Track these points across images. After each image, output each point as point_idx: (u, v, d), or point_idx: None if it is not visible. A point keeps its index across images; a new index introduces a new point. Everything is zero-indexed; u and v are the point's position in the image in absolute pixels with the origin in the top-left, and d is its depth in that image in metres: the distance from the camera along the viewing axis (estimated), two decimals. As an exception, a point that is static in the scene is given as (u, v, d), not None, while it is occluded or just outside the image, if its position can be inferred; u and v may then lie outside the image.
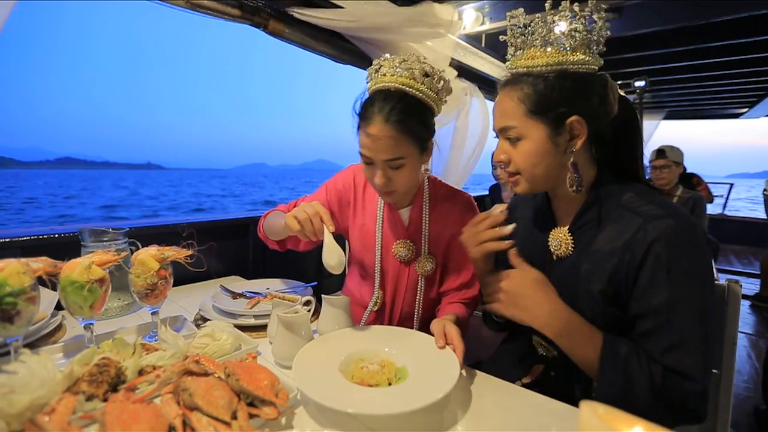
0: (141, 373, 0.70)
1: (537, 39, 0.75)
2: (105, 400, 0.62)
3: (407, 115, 0.89)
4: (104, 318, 1.03)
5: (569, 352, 0.74)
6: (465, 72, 2.52)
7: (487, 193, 3.43)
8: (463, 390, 0.76)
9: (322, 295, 0.93)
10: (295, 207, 1.00)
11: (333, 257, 0.89)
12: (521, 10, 0.76)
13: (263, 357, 0.85)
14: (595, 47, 0.74)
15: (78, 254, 0.92)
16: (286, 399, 0.63)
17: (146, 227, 1.33)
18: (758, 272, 3.77)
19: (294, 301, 0.97)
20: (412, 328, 1.10)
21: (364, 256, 1.12)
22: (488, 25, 2.16)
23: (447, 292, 1.11)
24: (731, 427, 1.03)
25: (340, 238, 1.03)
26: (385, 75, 0.92)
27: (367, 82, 0.98)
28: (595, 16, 0.73)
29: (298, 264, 1.78)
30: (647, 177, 0.83)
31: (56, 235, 1.14)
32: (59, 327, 0.94)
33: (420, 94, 0.92)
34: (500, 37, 0.82)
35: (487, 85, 2.81)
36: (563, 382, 0.83)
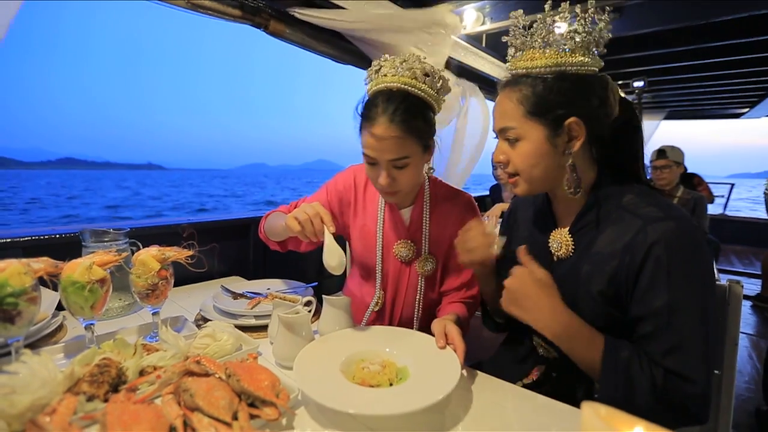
0: (142, 373, 0.70)
1: (537, 40, 0.75)
2: (106, 400, 0.62)
3: (411, 115, 0.90)
4: (105, 318, 1.04)
5: (569, 353, 0.74)
6: (465, 72, 2.53)
7: (487, 193, 3.43)
8: (464, 390, 0.76)
9: (323, 296, 0.93)
10: (295, 208, 1.00)
11: (334, 258, 0.89)
12: (521, 11, 0.77)
13: (264, 357, 0.85)
14: (594, 49, 0.74)
15: (79, 255, 0.92)
16: (287, 399, 0.63)
17: (147, 227, 1.33)
18: (759, 272, 3.77)
19: (295, 302, 0.97)
20: (412, 328, 1.10)
21: (365, 257, 1.12)
22: (489, 25, 2.16)
23: (448, 292, 1.11)
24: (732, 428, 1.03)
25: (341, 239, 1.03)
26: (386, 75, 0.92)
27: (366, 84, 0.99)
28: (597, 17, 0.73)
29: (299, 264, 1.78)
30: (648, 177, 0.83)
31: (57, 236, 1.14)
32: (60, 327, 0.94)
33: (422, 94, 0.93)
34: (503, 37, 0.82)
35: (487, 85, 2.81)
36: (564, 382, 0.83)
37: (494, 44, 2.60)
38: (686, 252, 0.68)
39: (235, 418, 0.58)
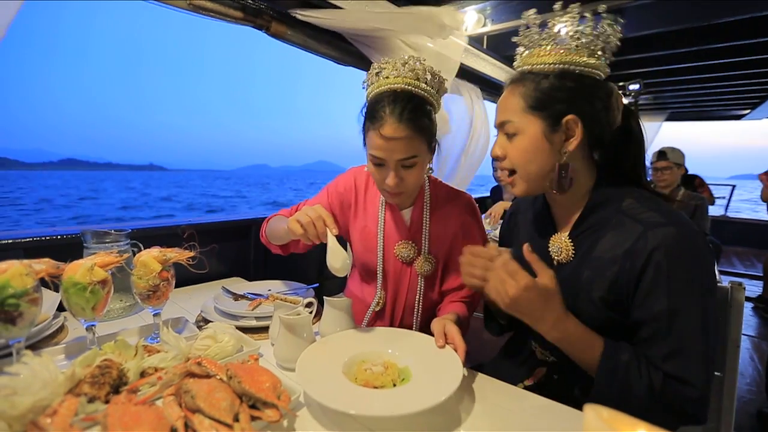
0: (143, 374, 0.70)
1: (544, 38, 0.76)
2: (107, 401, 0.62)
3: (418, 114, 0.91)
4: (106, 319, 1.04)
5: (569, 356, 0.75)
6: (467, 74, 2.53)
7: (488, 194, 3.43)
8: (466, 392, 0.76)
9: (324, 297, 0.93)
10: (297, 211, 1.00)
11: (337, 260, 0.89)
12: (533, 11, 0.77)
13: (265, 359, 0.86)
14: (601, 53, 0.74)
15: (80, 256, 0.92)
16: (288, 401, 0.63)
17: (148, 229, 1.33)
18: (761, 274, 3.76)
19: (296, 303, 0.97)
20: (412, 328, 1.10)
21: (365, 258, 1.12)
22: (490, 27, 2.16)
23: (448, 292, 1.12)
24: (734, 430, 1.02)
25: (341, 241, 1.03)
26: (388, 77, 0.93)
27: (366, 87, 0.99)
28: (605, 24, 0.73)
29: (300, 265, 1.78)
30: (648, 179, 0.83)
31: (59, 237, 1.14)
32: (61, 328, 0.94)
33: (425, 94, 0.94)
34: (512, 38, 0.83)
35: (488, 87, 2.82)
36: (566, 385, 0.83)
37: (495, 46, 2.60)
38: (687, 258, 0.68)
39: (236, 419, 0.58)
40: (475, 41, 2.38)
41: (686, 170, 2.82)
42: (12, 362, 0.67)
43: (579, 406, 0.70)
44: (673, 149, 2.66)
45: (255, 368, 0.67)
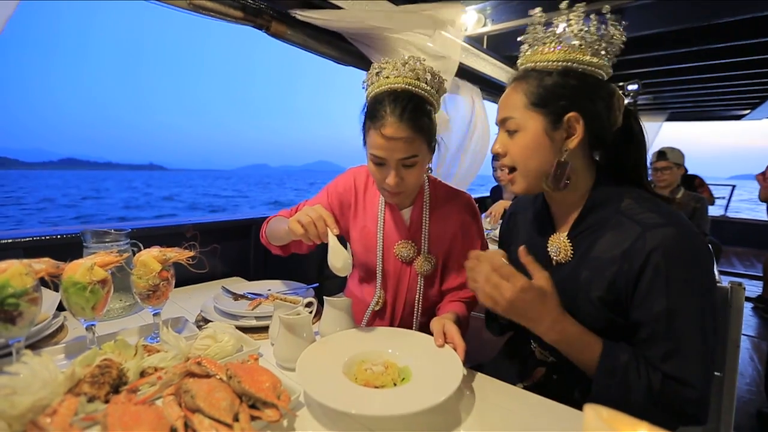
0: (143, 374, 0.70)
1: (549, 36, 0.76)
2: (107, 401, 0.62)
3: (418, 114, 0.91)
4: (106, 319, 1.04)
5: (568, 357, 0.75)
6: (467, 74, 2.53)
7: (488, 194, 3.43)
8: (466, 392, 0.76)
9: (324, 297, 0.93)
10: (297, 212, 1.00)
11: (339, 260, 0.89)
12: (539, 9, 0.78)
13: (265, 359, 0.86)
14: (604, 53, 0.75)
15: (80, 255, 0.92)
16: (288, 401, 0.63)
17: (148, 228, 1.33)
18: (760, 274, 3.76)
19: (296, 303, 0.97)
20: (412, 327, 1.10)
21: (365, 258, 1.13)
22: (490, 27, 2.16)
23: (448, 291, 1.12)
24: (734, 430, 1.03)
25: (342, 240, 1.03)
26: (388, 77, 0.93)
27: (365, 87, 1.00)
28: (610, 24, 0.74)
29: (300, 265, 1.78)
30: (648, 179, 0.83)
31: (58, 236, 1.14)
32: (61, 328, 0.94)
33: (425, 94, 0.94)
34: (517, 38, 0.83)
35: (488, 87, 2.81)
36: (565, 385, 0.83)
37: (495, 46, 2.60)
38: (685, 259, 0.68)
39: (236, 419, 0.58)
40: (475, 41, 2.38)
41: (686, 170, 2.82)
42: (12, 362, 0.67)
43: (579, 406, 0.70)
44: (673, 149, 2.66)
45: (255, 368, 0.67)
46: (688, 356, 0.66)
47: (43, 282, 0.72)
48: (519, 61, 0.82)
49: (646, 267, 0.68)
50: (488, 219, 2.50)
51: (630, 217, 0.73)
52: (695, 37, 2.54)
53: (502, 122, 0.81)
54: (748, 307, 3.51)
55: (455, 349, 0.81)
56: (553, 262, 0.83)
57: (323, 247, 0.92)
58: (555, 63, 0.75)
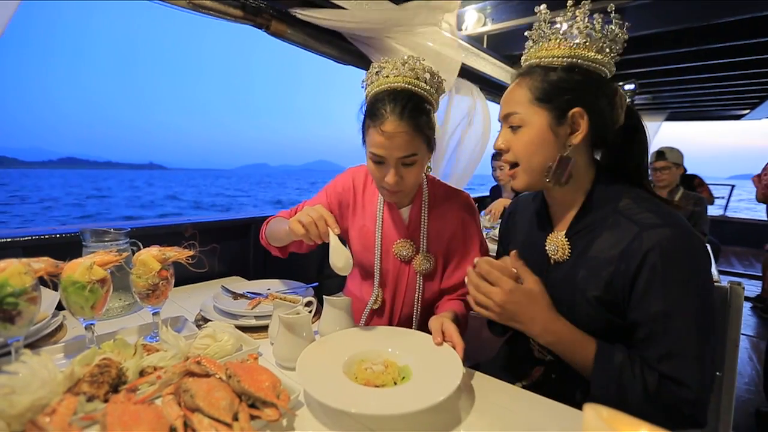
0: (142, 373, 0.70)
1: (554, 33, 0.76)
2: (106, 401, 0.62)
3: (418, 112, 0.91)
4: (105, 318, 1.03)
5: (563, 358, 0.75)
6: (467, 73, 2.53)
7: (488, 194, 3.43)
8: (465, 391, 0.76)
9: (324, 296, 0.93)
10: (296, 212, 1.00)
11: (340, 259, 0.89)
12: (544, 6, 0.78)
13: (264, 358, 0.85)
14: (608, 51, 0.75)
15: (79, 254, 0.92)
16: (288, 400, 0.63)
17: (148, 227, 1.33)
18: (759, 274, 3.77)
19: (295, 302, 0.97)
20: (411, 326, 1.10)
21: (364, 257, 1.13)
22: (490, 27, 2.16)
23: (447, 290, 1.12)
24: (732, 429, 1.03)
25: (342, 240, 1.03)
26: (388, 77, 0.94)
27: (365, 86, 1.00)
28: (614, 23, 0.75)
29: (300, 265, 1.78)
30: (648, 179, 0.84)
31: (57, 235, 1.14)
32: (60, 327, 0.94)
33: (425, 93, 0.94)
34: (525, 32, 0.83)
35: (488, 86, 2.81)
36: (564, 384, 0.83)
37: (495, 45, 2.60)
38: (682, 259, 0.68)
39: (235, 418, 0.58)
40: (475, 40, 2.38)
41: (685, 170, 2.82)
42: (11, 361, 0.67)
43: (578, 406, 0.70)
44: (672, 149, 2.66)
45: (254, 367, 0.66)
46: (685, 357, 0.66)
47: (42, 281, 0.72)
48: (523, 57, 0.82)
49: (642, 267, 0.68)
50: (488, 217, 2.50)
51: (628, 217, 0.73)
52: (694, 37, 2.55)
53: (505, 118, 0.81)
54: (746, 306, 3.52)
55: (454, 348, 0.81)
56: (551, 261, 0.84)
57: (323, 247, 0.92)
58: (560, 59, 0.75)
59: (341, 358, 0.78)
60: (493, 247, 1.20)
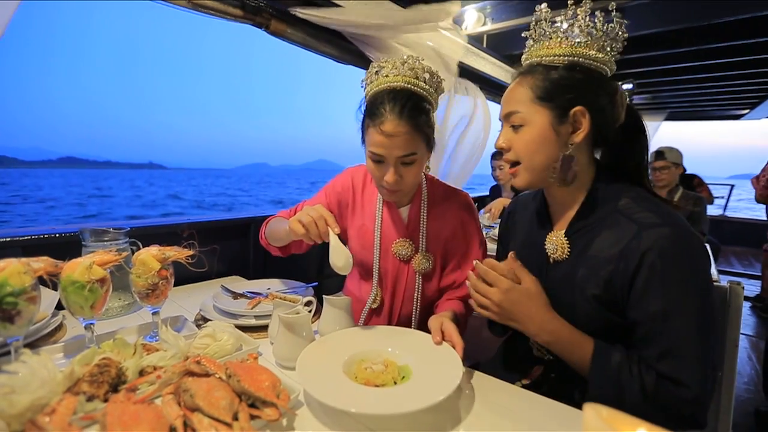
0: (142, 373, 0.70)
1: (554, 32, 0.76)
2: (106, 400, 0.62)
3: (417, 112, 0.92)
4: (105, 318, 1.03)
5: (562, 357, 0.76)
6: (467, 73, 2.53)
7: (487, 193, 3.43)
8: (465, 390, 0.76)
9: (323, 296, 0.93)
10: (296, 213, 1.00)
11: (340, 258, 0.89)
12: (545, 5, 0.78)
13: (264, 357, 0.85)
14: (609, 49, 0.75)
15: (79, 254, 0.92)
16: (288, 400, 0.63)
17: (147, 227, 1.33)
18: (759, 274, 3.77)
19: (295, 302, 0.97)
20: (410, 325, 1.10)
21: (362, 256, 1.13)
22: (490, 26, 2.16)
23: (446, 289, 1.12)
24: (731, 429, 1.03)
25: (342, 240, 1.03)
26: (387, 76, 0.94)
27: (365, 86, 1.00)
28: (615, 21, 0.75)
29: (299, 264, 1.78)
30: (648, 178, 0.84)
31: (57, 235, 1.14)
32: (60, 327, 0.94)
33: (424, 92, 0.95)
34: (522, 33, 0.84)
35: (488, 86, 2.81)
36: (563, 383, 0.83)
37: (495, 45, 2.60)
38: (681, 258, 0.68)
39: (235, 418, 0.57)
40: (475, 40, 2.38)
41: (684, 170, 2.82)
42: (10, 361, 0.67)
43: (577, 405, 0.70)
44: (671, 149, 2.66)
45: (254, 367, 0.66)
46: (683, 356, 0.66)
47: (41, 281, 0.72)
48: (524, 56, 0.82)
49: (641, 266, 0.69)
50: (486, 215, 2.50)
51: (627, 216, 0.73)
52: (694, 37, 2.55)
53: (506, 117, 0.81)
54: (746, 306, 3.52)
55: (454, 347, 0.81)
56: (551, 260, 0.84)
57: (323, 246, 0.92)
58: (561, 57, 0.75)
59: (341, 358, 0.78)
60: (492, 246, 1.20)
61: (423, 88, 0.94)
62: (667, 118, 6.40)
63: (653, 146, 2.82)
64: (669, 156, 2.63)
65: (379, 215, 1.10)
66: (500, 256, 1.05)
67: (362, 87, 1.01)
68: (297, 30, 1.65)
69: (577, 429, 0.64)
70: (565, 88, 0.74)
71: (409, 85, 0.93)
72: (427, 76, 0.95)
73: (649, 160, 0.85)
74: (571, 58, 0.75)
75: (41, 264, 0.73)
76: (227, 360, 0.74)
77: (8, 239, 1.07)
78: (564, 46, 0.75)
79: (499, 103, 0.86)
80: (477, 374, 0.82)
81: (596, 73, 0.76)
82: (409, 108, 0.90)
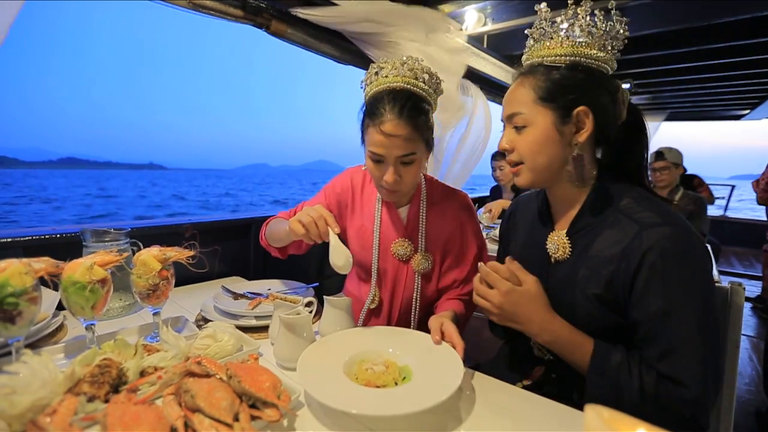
0: (143, 374, 0.70)
1: (554, 31, 0.76)
2: (106, 401, 0.62)
3: (417, 112, 0.92)
4: (106, 318, 1.03)
5: (562, 357, 0.76)
6: (467, 73, 2.53)
7: (488, 194, 3.43)
8: (466, 391, 0.76)
9: (324, 297, 0.93)
10: (295, 213, 1.01)
11: (340, 258, 0.90)
12: (544, 4, 0.78)
13: (265, 358, 0.85)
14: (610, 48, 0.76)
15: (80, 254, 0.92)
16: (288, 401, 0.63)
17: (148, 227, 1.33)
18: (759, 274, 3.77)
19: (295, 302, 0.97)
20: (410, 325, 1.11)
21: (362, 256, 1.13)
22: (490, 26, 2.16)
23: (445, 289, 1.12)
24: (733, 430, 1.02)
25: (341, 240, 1.03)
26: (387, 76, 0.94)
27: (364, 86, 1.01)
28: (615, 19, 0.75)
29: (300, 265, 1.78)
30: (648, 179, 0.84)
31: (58, 236, 1.14)
32: (60, 327, 0.94)
33: (423, 93, 0.95)
34: (525, 30, 0.83)
35: (488, 86, 2.81)
36: (564, 384, 0.83)
37: (495, 45, 2.60)
38: (681, 258, 0.68)
39: (236, 419, 0.58)
40: (476, 40, 2.38)
41: (684, 170, 2.81)
42: (11, 361, 0.67)
43: (578, 406, 0.70)
44: (671, 149, 2.66)
45: (255, 368, 0.67)
46: (684, 356, 0.66)
47: (42, 281, 0.72)
48: (524, 57, 0.82)
49: (642, 266, 0.68)
50: (486, 216, 2.49)
51: (628, 216, 0.73)
52: (694, 37, 2.54)
53: (509, 118, 0.81)
54: (746, 307, 3.51)
55: (454, 348, 0.81)
56: (552, 260, 0.84)
57: (322, 247, 0.92)
58: (562, 57, 0.75)
59: (342, 359, 0.78)
60: (493, 247, 1.20)
61: (422, 88, 0.95)
62: (668, 119, 6.39)
63: (653, 146, 2.81)
64: (669, 156, 2.63)
65: (378, 215, 1.10)
66: (501, 256, 1.05)
67: (362, 88, 1.02)
68: (297, 30, 1.65)
69: (578, 430, 0.64)
70: (567, 88, 0.74)
71: (408, 86, 0.93)
72: (426, 76, 0.96)
73: (648, 160, 0.85)
74: (572, 58, 0.75)
75: (42, 264, 0.73)
76: (228, 361, 0.74)
77: (9, 240, 1.07)
78: (565, 45, 0.75)
79: (499, 103, 0.86)
80: (478, 375, 0.82)
81: (598, 72, 0.76)
82: (409, 108, 0.90)
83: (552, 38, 0.77)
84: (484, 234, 1.17)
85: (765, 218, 3.92)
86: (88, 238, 1.01)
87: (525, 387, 0.87)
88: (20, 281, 0.66)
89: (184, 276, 1.11)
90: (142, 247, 0.88)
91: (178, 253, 0.87)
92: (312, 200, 1.19)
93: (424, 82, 0.95)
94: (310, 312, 0.88)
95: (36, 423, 0.53)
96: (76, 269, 0.74)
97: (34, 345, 0.84)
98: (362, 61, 1.94)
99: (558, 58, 0.75)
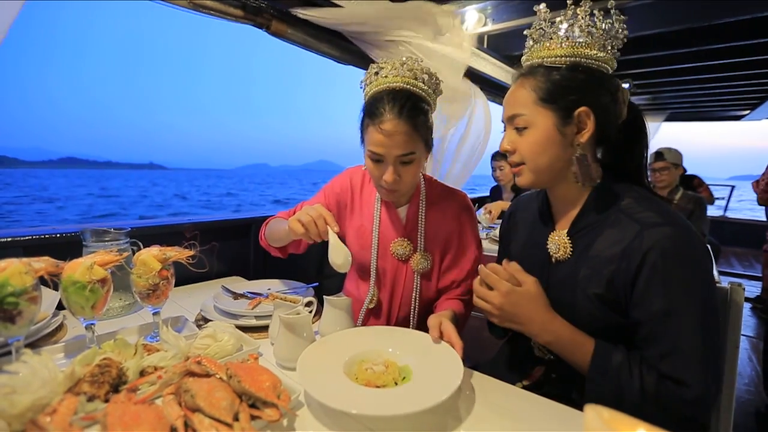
0: (142, 373, 0.70)
1: (554, 32, 0.76)
2: (106, 400, 0.62)
3: (416, 112, 0.93)
4: (106, 318, 1.03)
5: (562, 357, 0.76)
6: (467, 73, 2.53)
7: (488, 194, 3.43)
8: (465, 391, 0.76)
9: (324, 297, 0.93)
10: (295, 213, 1.01)
11: (339, 256, 0.90)
12: (544, 5, 0.78)
13: (265, 358, 0.85)
14: (610, 48, 0.76)
15: (80, 254, 0.92)
16: (288, 401, 0.63)
17: (148, 227, 1.33)
18: (759, 275, 3.77)
19: (295, 302, 0.97)
20: (409, 325, 1.11)
21: (361, 256, 1.13)
22: (490, 27, 2.16)
23: (444, 289, 1.13)
24: (732, 430, 1.03)
25: (341, 240, 1.03)
26: (387, 77, 0.95)
27: (364, 86, 1.01)
28: (614, 19, 0.75)
29: (300, 265, 1.78)
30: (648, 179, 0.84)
31: (58, 235, 1.14)
32: (60, 327, 0.94)
33: (422, 93, 0.96)
34: (524, 31, 0.83)
35: (488, 87, 2.81)
36: (564, 384, 0.83)
37: (495, 46, 2.59)
38: (682, 258, 0.68)
39: (236, 419, 0.58)
40: (476, 41, 2.37)
41: (684, 170, 2.81)
42: (11, 361, 0.67)
43: (578, 406, 0.70)
44: (670, 149, 2.66)
45: (255, 367, 0.67)
46: (685, 356, 0.66)
47: (42, 281, 0.72)
48: (524, 57, 0.82)
49: (643, 266, 0.69)
50: (485, 216, 2.49)
51: (629, 216, 0.74)
52: (695, 38, 2.54)
53: (510, 119, 0.81)
54: (746, 307, 3.52)
55: (453, 347, 0.81)
56: (553, 260, 0.84)
57: (322, 247, 0.92)
58: (563, 58, 0.75)
59: (342, 359, 0.78)
60: (494, 247, 1.21)
61: (421, 88, 0.95)
62: (668, 119, 6.40)
63: (653, 147, 2.81)
64: (668, 156, 2.63)
65: (377, 215, 1.10)
66: (501, 257, 1.05)
67: (361, 88, 1.02)
68: (298, 30, 1.65)
69: (578, 430, 0.64)
70: (568, 89, 0.74)
71: (408, 86, 0.94)
72: (425, 77, 0.96)
73: (648, 160, 0.85)
74: (572, 58, 0.75)
75: (42, 264, 0.73)
76: (228, 360, 0.74)
77: (9, 239, 1.07)
78: (565, 46, 0.75)
79: (499, 103, 0.86)
80: (477, 375, 0.82)
81: (598, 72, 0.76)
82: (408, 108, 0.91)
83: (552, 39, 0.77)
84: (483, 234, 1.17)
85: (765, 219, 3.92)
86: (88, 238, 1.01)
87: (525, 387, 0.87)
88: (20, 281, 0.66)
89: (184, 276, 1.11)
90: (142, 246, 0.88)
91: (178, 253, 0.87)
92: (311, 200, 1.19)
93: (423, 83, 0.96)
94: (310, 312, 0.88)
95: (36, 422, 0.53)
96: (76, 269, 0.74)
97: (34, 344, 0.84)
98: (362, 61, 1.94)
99: (558, 58, 0.75)
